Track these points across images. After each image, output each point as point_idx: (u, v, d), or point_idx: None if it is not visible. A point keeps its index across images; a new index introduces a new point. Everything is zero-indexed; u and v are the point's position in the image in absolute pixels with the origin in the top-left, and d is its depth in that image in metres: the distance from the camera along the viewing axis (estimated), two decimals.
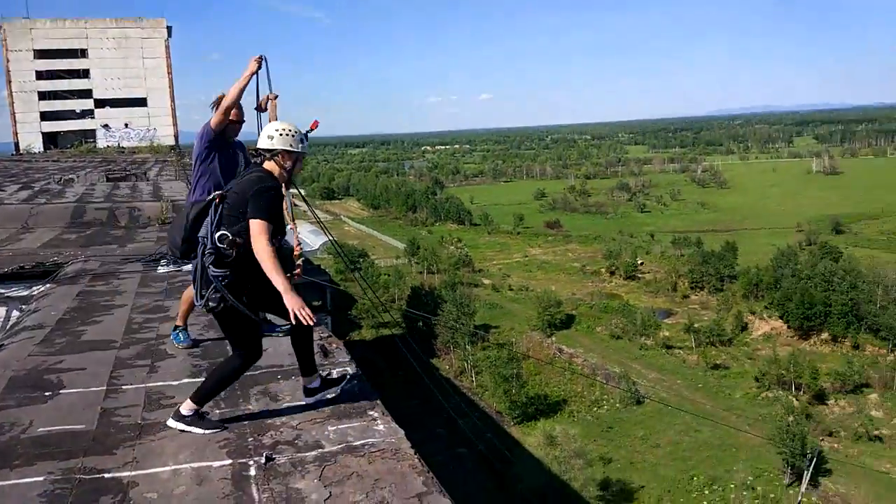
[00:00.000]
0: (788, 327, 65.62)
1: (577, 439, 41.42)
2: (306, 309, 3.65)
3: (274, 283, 3.68)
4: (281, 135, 3.95)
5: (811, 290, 64.22)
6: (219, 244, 3.75)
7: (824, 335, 63.80)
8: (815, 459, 38.64)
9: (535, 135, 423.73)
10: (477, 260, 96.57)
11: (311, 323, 3.69)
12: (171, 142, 53.39)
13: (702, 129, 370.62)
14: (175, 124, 55.38)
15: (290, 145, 3.96)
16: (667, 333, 67.71)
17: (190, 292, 5.73)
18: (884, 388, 54.67)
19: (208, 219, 3.82)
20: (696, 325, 66.53)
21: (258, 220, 3.72)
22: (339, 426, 4.21)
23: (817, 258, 74.67)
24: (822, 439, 46.93)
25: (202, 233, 3.84)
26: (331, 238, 7.14)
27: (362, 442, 3.97)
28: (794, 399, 51.91)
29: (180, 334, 5.79)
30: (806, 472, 37.30)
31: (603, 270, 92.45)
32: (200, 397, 4.13)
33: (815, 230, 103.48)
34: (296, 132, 4.00)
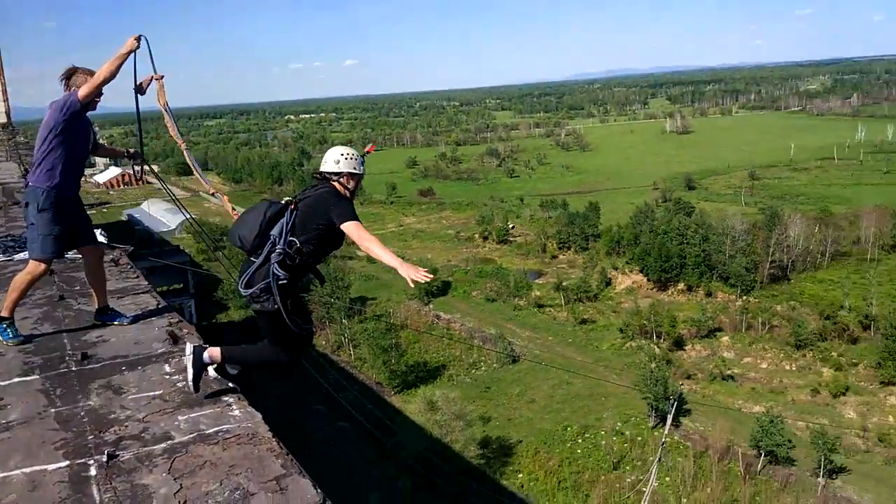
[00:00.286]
0: (648, 280, 70.00)
1: (457, 402, 42.32)
2: (420, 270, 3.83)
3: (385, 261, 3.95)
4: (346, 159, 4.24)
5: (667, 244, 68.67)
6: (287, 249, 3.98)
7: (680, 285, 68.64)
8: (676, 402, 41.40)
9: (404, 101, 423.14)
10: None
11: (430, 278, 3.87)
12: (2, 119, 48.48)
13: (564, 94, 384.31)
14: (6, 100, 50.25)
15: (354, 168, 4.26)
16: (538, 293, 70.28)
17: (21, 279, 5.20)
18: (734, 331, 59.73)
19: (283, 221, 4.03)
20: (564, 284, 69.50)
21: (353, 222, 4.01)
22: (191, 415, 3.96)
23: (672, 214, 79.92)
24: (682, 383, 50.69)
25: (274, 232, 4.03)
26: (189, 216, 6.67)
27: (216, 429, 3.77)
28: (655, 347, 55.65)
29: (8, 330, 5.22)
30: (669, 413, 39.95)
31: (476, 236, 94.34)
32: (230, 357, 4.24)
33: (669, 188, 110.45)
34: (357, 155, 4.30)
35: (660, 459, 35.80)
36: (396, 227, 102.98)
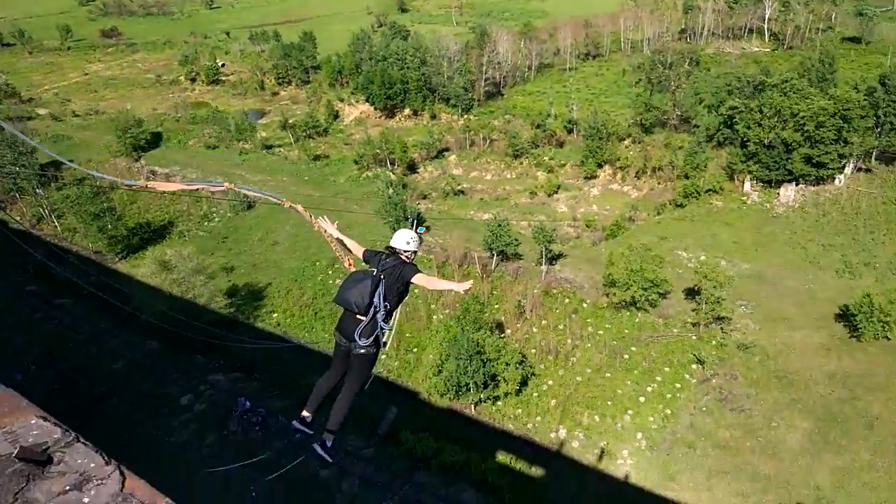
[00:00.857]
0: (375, 109, 69.36)
1: (194, 257, 39.11)
2: (467, 282, 5.60)
3: (447, 288, 5.88)
4: (414, 241, 6.07)
5: (388, 70, 67.68)
6: (384, 310, 5.65)
7: (406, 111, 69.14)
8: (415, 221, 42.69)
9: None
10: (22, 88, 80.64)
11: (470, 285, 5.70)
12: None
13: None
14: None
15: (417, 248, 6.12)
16: (264, 134, 66.35)
17: None
18: (460, 150, 62.42)
19: (379, 290, 5.62)
20: (291, 121, 66.19)
21: (419, 274, 5.81)
22: None
23: (389, 39, 78.31)
24: (419, 203, 52.41)
25: (375, 300, 5.58)
26: None
27: None
28: (391, 173, 56.13)
29: None
30: None
31: (182, 79, 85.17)
32: (338, 425, 5.73)
33: (383, 11, 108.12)
34: (417, 238, 6.11)
35: None
36: (81, 77, 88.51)
